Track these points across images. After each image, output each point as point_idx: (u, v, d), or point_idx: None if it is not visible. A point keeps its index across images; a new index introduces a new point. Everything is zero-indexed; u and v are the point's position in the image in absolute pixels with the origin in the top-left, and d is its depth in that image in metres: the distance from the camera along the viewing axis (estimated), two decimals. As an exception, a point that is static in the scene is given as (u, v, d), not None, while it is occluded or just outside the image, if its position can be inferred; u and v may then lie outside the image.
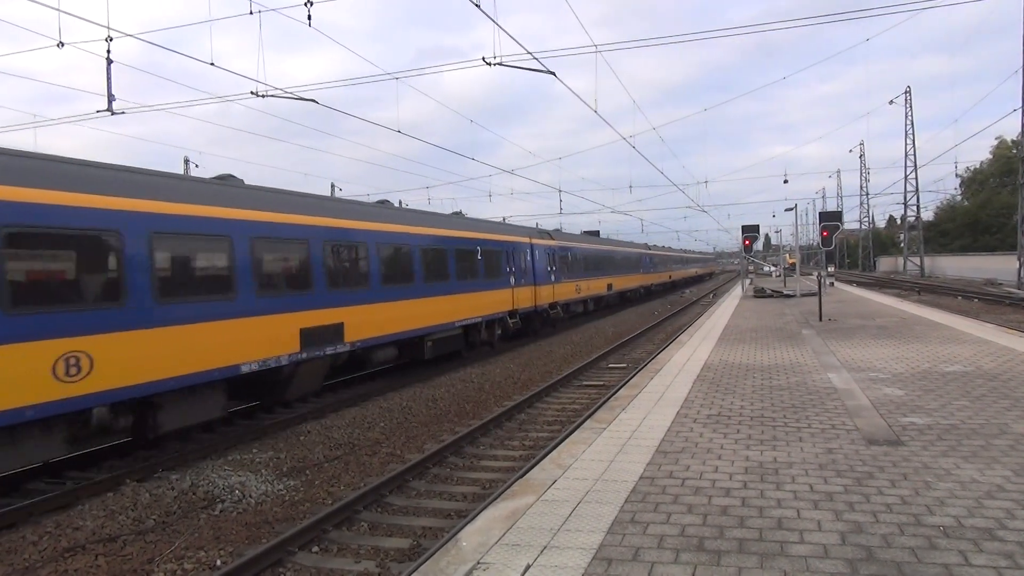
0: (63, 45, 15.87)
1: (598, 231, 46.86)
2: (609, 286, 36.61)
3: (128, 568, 6.78)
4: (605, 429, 7.92)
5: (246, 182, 12.76)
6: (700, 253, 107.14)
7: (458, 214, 23.69)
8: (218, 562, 6.95)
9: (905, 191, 67.23)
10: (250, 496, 8.83)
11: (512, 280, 22.78)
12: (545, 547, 4.66)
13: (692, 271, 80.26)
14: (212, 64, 15.29)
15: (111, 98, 16.64)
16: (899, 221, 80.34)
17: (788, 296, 32.53)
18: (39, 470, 9.63)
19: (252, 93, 17.36)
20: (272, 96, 17.50)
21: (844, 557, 4.33)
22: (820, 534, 4.71)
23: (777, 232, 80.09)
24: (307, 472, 9.82)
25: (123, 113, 18.41)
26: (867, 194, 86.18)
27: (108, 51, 15.99)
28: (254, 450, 10.86)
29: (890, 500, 5.30)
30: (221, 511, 8.38)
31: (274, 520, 8.07)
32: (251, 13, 15.59)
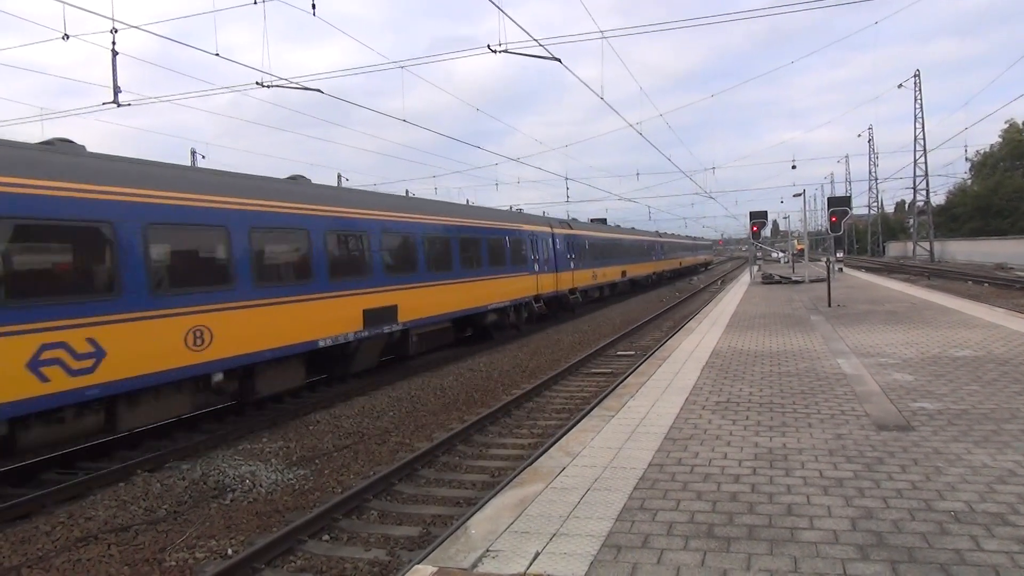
0: (68, 37, 15.88)
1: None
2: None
3: (140, 557, 6.83)
4: (614, 417, 7.92)
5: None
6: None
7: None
8: (229, 551, 6.99)
9: (915, 175, 66.80)
10: (260, 485, 8.87)
11: (536, 267, 23.91)
12: (554, 534, 4.67)
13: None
14: (217, 55, 15.27)
15: (117, 90, 16.67)
16: (908, 206, 79.81)
17: (796, 282, 32.41)
18: (51, 461, 9.71)
19: (258, 83, 17.36)
20: (277, 86, 17.50)
21: (854, 543, 4.31)
22: (830, 520, 4.69)
23: (785, 218, 79.56)
24: (317, 461, 9.86)
25: (129, 105, 18.43)
26: (876, 179, 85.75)
27: (113, 43, 16.02)
28: (264, 440, 10.91)
29: (900, 486, 5.27)
30: (232, 500, 8.43)
31: (284, 509, 8.11)
32: (255, 3, 15.55)
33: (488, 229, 20.92)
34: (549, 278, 25.32)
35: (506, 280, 21.58)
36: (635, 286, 42.49)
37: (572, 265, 28.25)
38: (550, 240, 26.16)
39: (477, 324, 20.23)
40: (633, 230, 48.15)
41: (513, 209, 29.89)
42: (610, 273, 35.05)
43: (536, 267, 24.20)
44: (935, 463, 5.77)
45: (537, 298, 24.17)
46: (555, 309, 26.65)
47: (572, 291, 27.94)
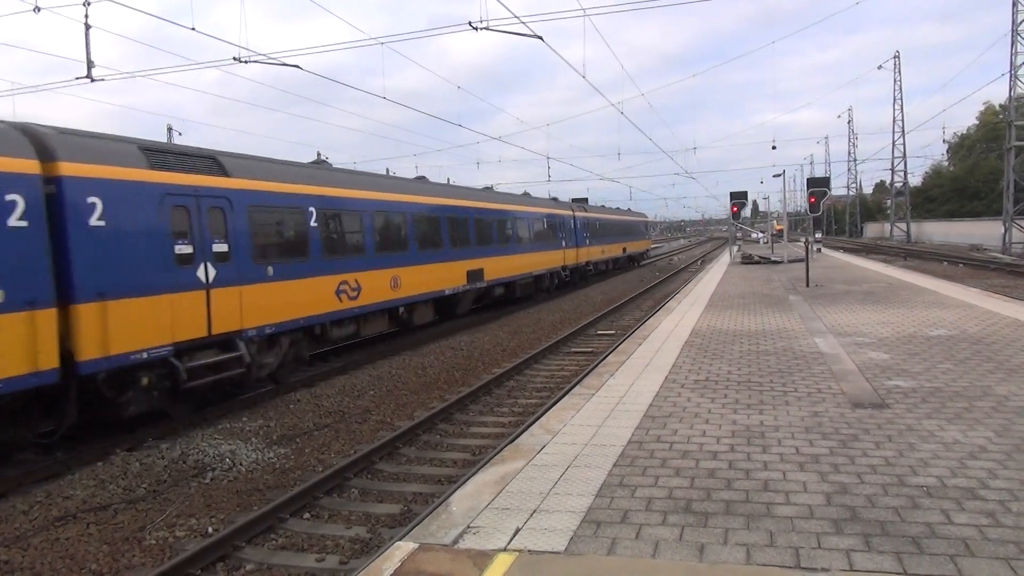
0: (39, 10, 15.50)
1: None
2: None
3: (120, 536, 6.81)
4: (594, 395, 7.97)
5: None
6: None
7: (526, 194, 29.94)
8: (210, 529, 6.99)
9: (892, 156, 67.40)
10: (240, 464, 8.85)
11: (563, 243, 30.48)
12: (535, 511, 4.71)
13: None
14: (193, 29, 14.99)
15: (90, 64, 16.31)
16: (887, 186, 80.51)
17: (775, 262, 32.65)
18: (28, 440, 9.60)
19: (235, 59, 17.06)
20: (255, 62, 17.22)
21: (829, 517, 4.39)
22: (806, 495, 4.77)
23: (765, 199, 79.96)
24: (297, 440, 9.85)
25: (103, 80, 18.06)
26: (855, 160, 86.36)
27: (86, 16, 15.65)
28: (244, 419, 10.87)
29: (875, 462, 5.37)
30: (212, 479, 8.41)
31: (265, 488, 8.10)
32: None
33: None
34: (571, 252, 31.76)
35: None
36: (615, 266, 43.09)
37: (588, 242, 34.55)
38: (571, 221, 32.08)
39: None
40: (630, 211, 52.94)
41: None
42: (612, 250, 40.10)
43: (563, 243, 30.47)
44: (908, 440, 5.87)
45: (564, 268, 30.31)
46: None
47: (588, 264, 34.72)
